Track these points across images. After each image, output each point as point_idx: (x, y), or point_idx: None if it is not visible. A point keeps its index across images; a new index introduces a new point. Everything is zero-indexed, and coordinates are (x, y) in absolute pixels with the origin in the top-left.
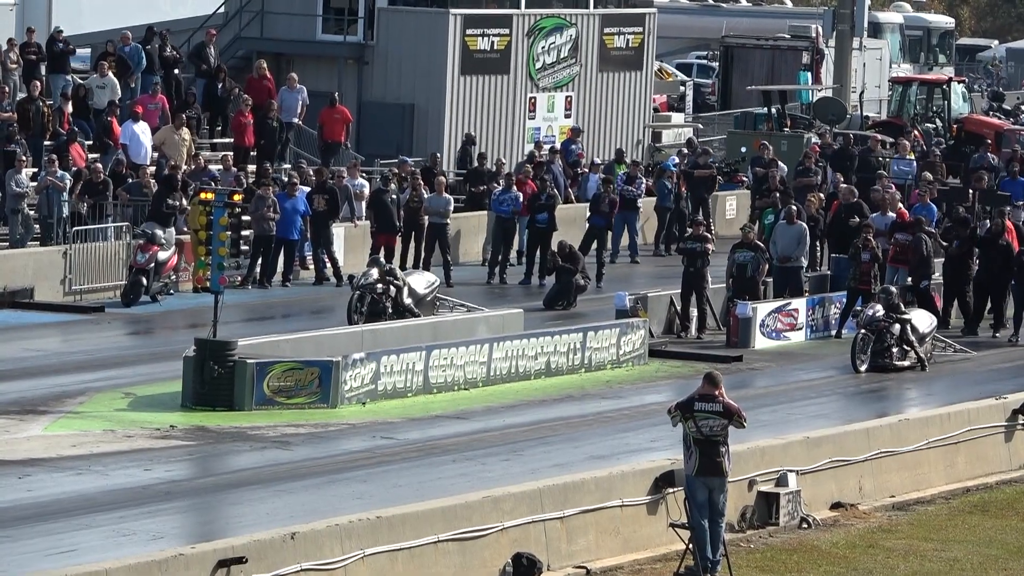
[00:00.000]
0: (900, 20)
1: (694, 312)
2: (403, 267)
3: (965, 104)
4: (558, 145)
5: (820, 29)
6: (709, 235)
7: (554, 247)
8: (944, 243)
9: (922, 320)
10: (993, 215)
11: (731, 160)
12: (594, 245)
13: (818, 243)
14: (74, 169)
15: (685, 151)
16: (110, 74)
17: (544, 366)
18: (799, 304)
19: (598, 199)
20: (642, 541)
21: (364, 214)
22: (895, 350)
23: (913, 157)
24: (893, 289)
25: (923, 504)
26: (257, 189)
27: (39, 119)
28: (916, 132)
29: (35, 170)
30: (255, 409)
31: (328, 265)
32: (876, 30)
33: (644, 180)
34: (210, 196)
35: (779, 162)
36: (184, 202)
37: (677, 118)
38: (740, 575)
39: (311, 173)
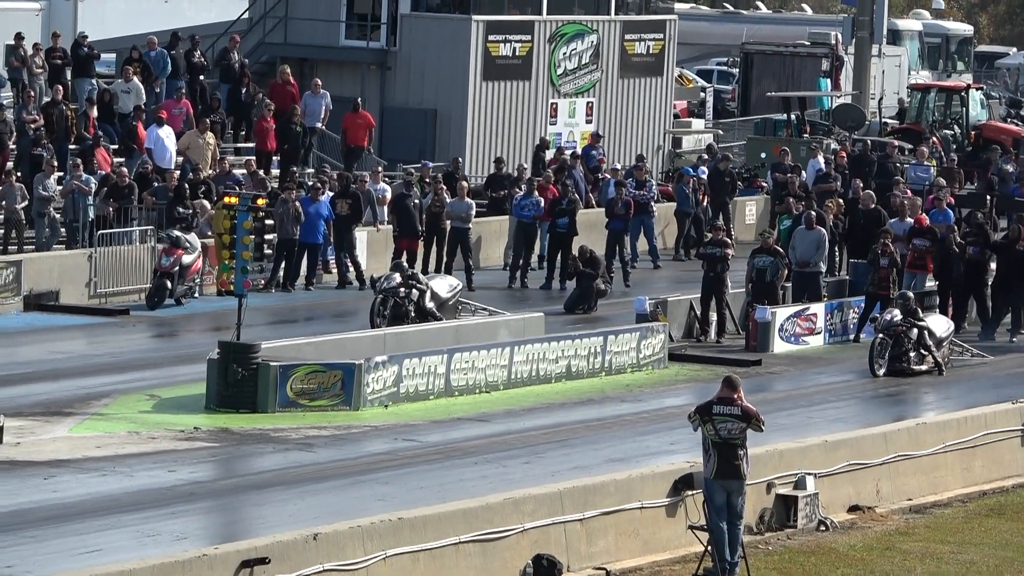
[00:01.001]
0: (919, 27)
1: (714, 316)
2: (425, 271)
3: (983, 111)
4: (579, 150)
5: (839, 36)
6: (729, 240)
7: (575, 252)
8: (960, 248)
9: (939, 325)
10: (1011, 221)
11: (751, 166)
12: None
13: (837, 248)
14: (100, 173)
15: (706, 156)
16: (135, 79)
17: (565, 370)
18: (818, 309)
19: (611, 203)
20: (661, 543)
21: (387, 218)
22: (912, 354)
23: (933, 164)
24: (911, 294)
25: (940, 507)
26: (281, 193)
27: (63, 123)
28: (935, 138)
29: (60, 174)
30: (278, 411)
31: (351, 269)
32: (895, 37)
33: (653, 181)
34: (234, 200)
35: (801, 168)
36: (209, 205)
37: (697, 124)
38: None
39: (334, 178)
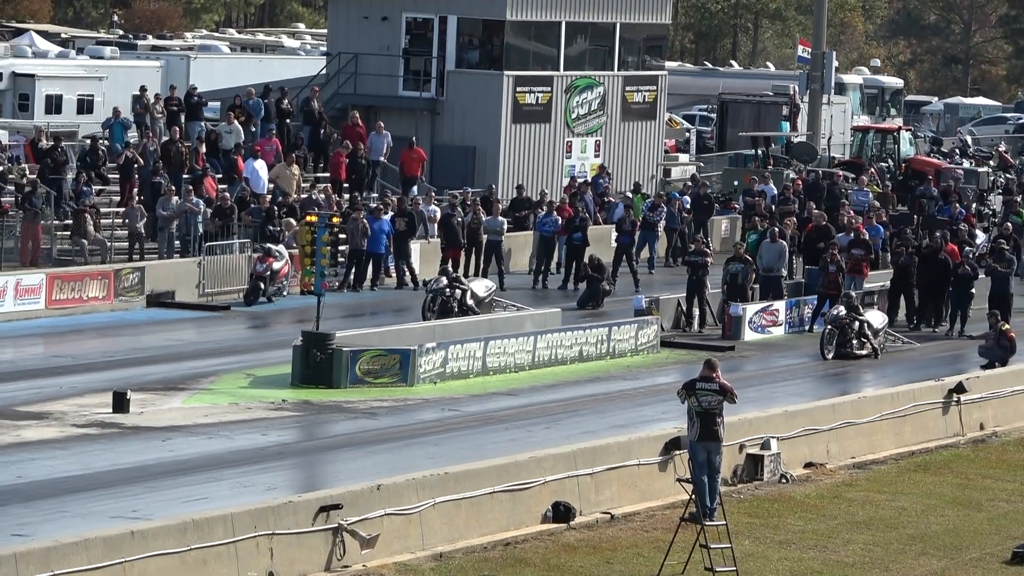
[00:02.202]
0: (860, 81)
1: (696, 311)
2: (466, 275)
3: (911, 147)
4: (589, 179)
5: (797, 88)
6: (708, 250)
7: (586, 259)
8: (895, 256)
9: (876, 318)
10: (932, 235)
11: (726, 191)
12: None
13: (793, 257)
14: (206, 197)
15: (690, 184)
16: (236, 122)
17: (577, 354)
18: (779, 305)
19: (621, 223)
20: (655, 492)
21: (436, 233)
22: (855, 342)
23: (872, 189)
24: (853, 294)
25: (877, 464)
26: (352, 213)
27: (179, 157)
28: (872, 170)
29: (176, 198)
30: (349, 387)
31: (407, 273)
32: (841, 89)
33: (665, 208)
34: (314, 219)
35: (767, 193)
36: (294, 222)
37: (683, 158)
38: (732, 520)
39: (394, 201)
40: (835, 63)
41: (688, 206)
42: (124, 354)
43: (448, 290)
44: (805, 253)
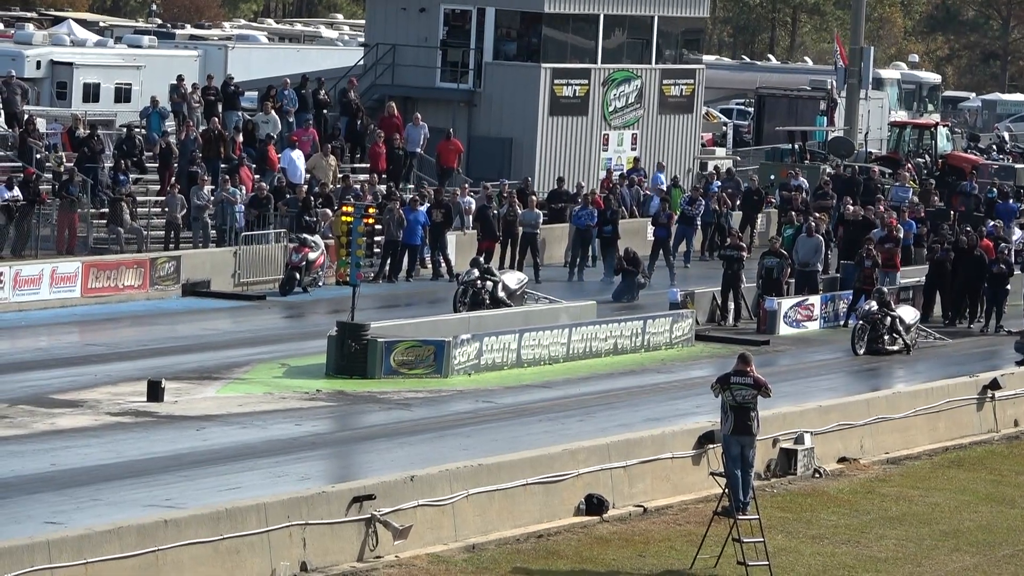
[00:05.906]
0: (898, 76)
1: (732, 305)
2: (501, 268)
3: (948, 143)
4: (626, 172)
5: (834, 83)
6: (744, 244)
7: (621, 252)
8: (931, 251)
9: (908, 314)
10: (970, 232)
11: (762, 186)
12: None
13: (829, 252)
14: (242, 187)
15: (725, 176)
16: (272, 112)
17: (612, 347)
18: (815, 300)
19: (657, 216)
20: (688, 486)
21: (472, 225)
22: (886, 337)
23: (914, 185)
24: (885, 289)
25: (911, 460)
26: (388, 204)
27: (218, 146)
28: (909, 165)
29: (211, 187)
30: (383, 378)
31: (443, 265)
32: (878, 84)
33: (704, 202)
34: (350, 209)
35: (803, 187)
36: (330, 213)
37: (720, 152)
38: (765, 514)
39: (431, 192)
40: (872, 58)
41: (718, 186)
42: (159, 343)
43: (479, 282)
44: (844, 248)
